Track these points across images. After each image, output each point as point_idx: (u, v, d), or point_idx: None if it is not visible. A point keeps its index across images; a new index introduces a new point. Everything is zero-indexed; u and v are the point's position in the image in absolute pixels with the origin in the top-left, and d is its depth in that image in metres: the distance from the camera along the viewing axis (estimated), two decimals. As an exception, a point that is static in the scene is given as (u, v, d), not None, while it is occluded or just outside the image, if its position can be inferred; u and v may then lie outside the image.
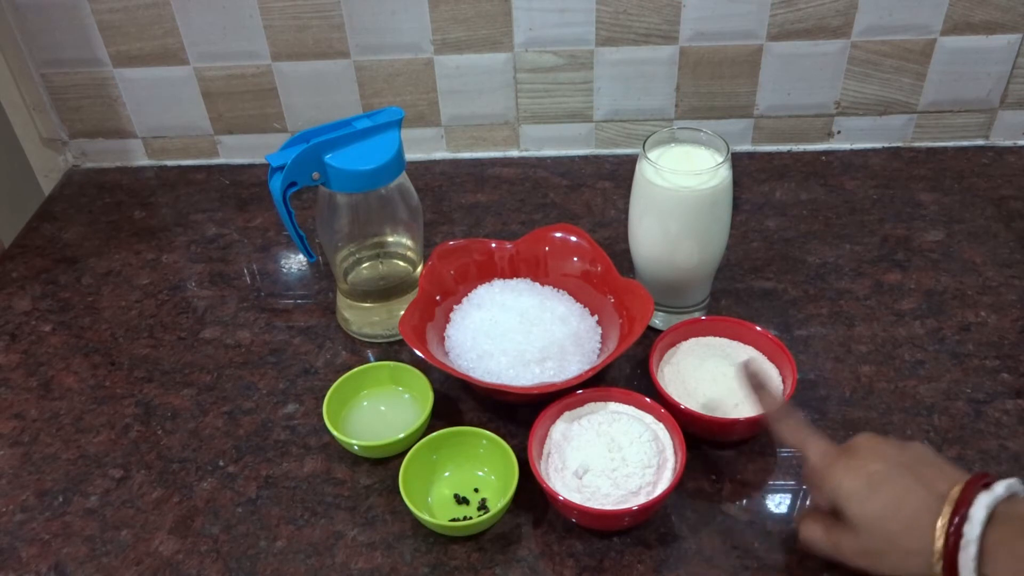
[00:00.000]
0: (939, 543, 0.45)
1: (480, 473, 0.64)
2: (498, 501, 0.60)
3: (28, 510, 0.64)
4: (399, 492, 0.59)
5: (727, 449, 0.65)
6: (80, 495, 0.65)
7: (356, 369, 0.69)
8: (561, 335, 0.68)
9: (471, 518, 0.60)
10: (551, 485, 0.59)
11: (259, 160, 1.01)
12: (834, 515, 0.52)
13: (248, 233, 0.91)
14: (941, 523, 0.45)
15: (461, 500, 0.62)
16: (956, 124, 0.96)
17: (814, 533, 0.53)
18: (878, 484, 0.49)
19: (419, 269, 0.76)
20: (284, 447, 0.68)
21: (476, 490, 0.63)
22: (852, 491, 0.50)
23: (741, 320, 0.70)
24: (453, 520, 0.60)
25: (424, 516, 0.58)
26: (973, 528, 0.44)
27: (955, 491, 0.46)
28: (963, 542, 0.44)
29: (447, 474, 0.64)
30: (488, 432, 0.63)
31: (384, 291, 0.76)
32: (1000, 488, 0.45)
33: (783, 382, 0.66)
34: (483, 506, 0.61)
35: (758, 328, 0.69)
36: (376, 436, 0.64)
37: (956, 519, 0.44)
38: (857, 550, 0.50)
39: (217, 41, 0.92)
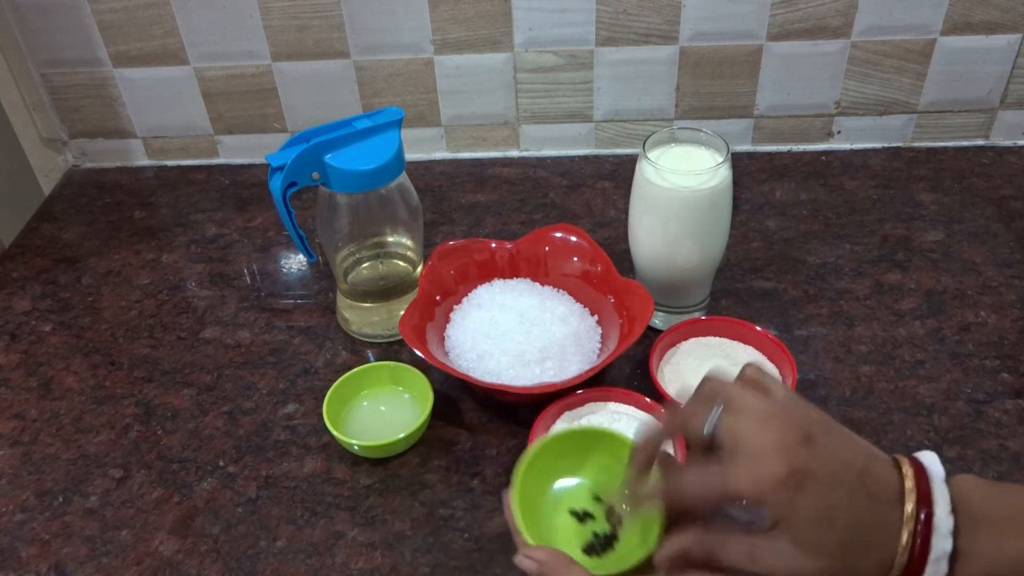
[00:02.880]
0: (903, 558, 0.41)
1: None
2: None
3: (28, 510, 0.64)
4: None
5: (727, 449, 0.65)
6: (80, 495, 0.65)
7: (356, 369, 0.69)
8: (561, 335, 0.68)
9: (603, 534, 0.50)
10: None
11: (259, 160, 1.01)
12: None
13: (248, 233, 0.91)
14: (905, 541, 0.41)
15: (583, 516, 0.52)
16: (956, 124, 0.96)
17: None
18: (831, 509, 0.42)
19: (419, 269, 0.76)
20: (284, 447, 0.68)
21: (598, 499, 0.52)
22: (812, 515, 0.41)
23: (741, 320, 0.70)
24: (591, 550, 0.49)
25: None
26: (942, 542, 0.40)
27: (909, 508, 0.41)
28: (931, 557, 0.40)
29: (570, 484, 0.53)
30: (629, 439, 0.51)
31: (384, 291, 0.76)
32: (941, 491, 0.41)
33: (783, 382, 0.66)
34: (612, 514, 0.51)
35: (758, 328, 0.69)
36: (376, 436, 0.64)
37: (918, 539, 0.41)
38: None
39: (217, 41, 0.92)
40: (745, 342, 0.70)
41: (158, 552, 0.60)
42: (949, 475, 0.43)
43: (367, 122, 0.70)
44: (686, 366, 0.68)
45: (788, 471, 0.41)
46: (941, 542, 0.40)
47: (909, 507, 0.41)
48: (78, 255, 0.89)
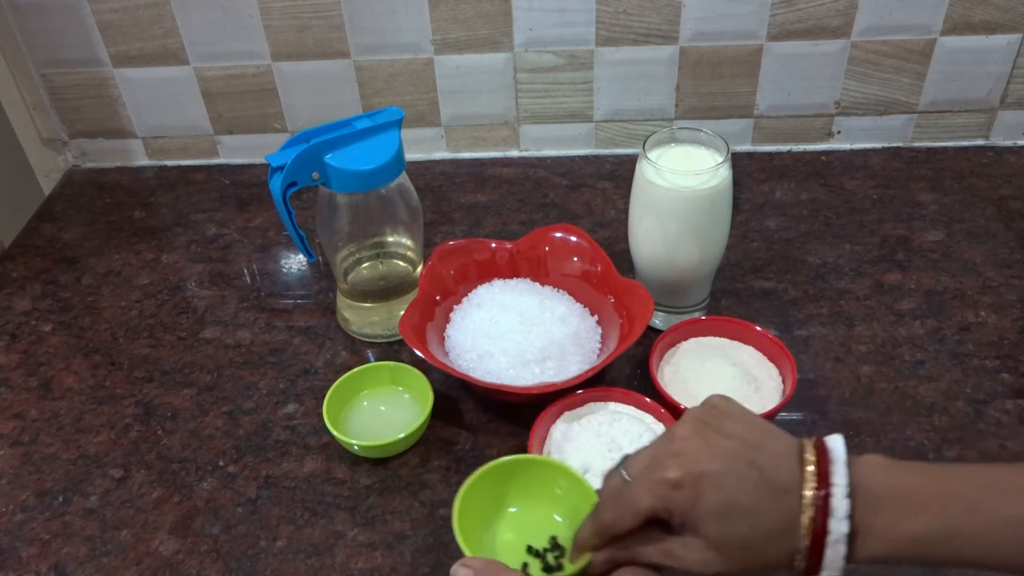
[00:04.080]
0: (805, 542, 0.42)
1: (557, 518, 0.56)
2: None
3: (28, 510, 0.64)
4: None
5: (727, 449, 0.65)
6: (80, 495, 0.65)
7: (356, 369, 0.69)
8: (561, 335, 0.68)
9: (542, 549, 0.53)
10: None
11: (259, 160, 1.01)
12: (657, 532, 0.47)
13: (248, 233, 0.91)
14: (806, 524, 0.42)
15: (536, 553, 0.54)
16: (956, 124, 0.96)
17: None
18: (729, 504, 0.43)
19: (419, 269, 0.76)
20: (284, 447, 0.68)
21: (555, 540, 0.54)
22: (710, 511, 0.43)
23: (741, 320, 0.70)
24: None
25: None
26: (839, 524, 0.41)
27: (808, 493, 0.42)
28: (829, 539, 0.42)
29: (513, 510, 0.56)
30: (568, 467, 0.56)
31: (384, 291, 0.76)
32: (841, 474, 0.42)
33: (783, 382, 0.66)
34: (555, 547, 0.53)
35: (758, 328, 0.69)
36: (376, 436, 0.64)
37: (816, 523, 0.42)
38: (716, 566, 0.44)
39: (217, 41, 0.92)
40: (745, 342, 0.70)
41: (158, 552, 0.60)
42: (858, 455, 0.44)
43: (367, 122, 0.70)
44: (686, 366, 0.68)
45: (681, 474, 0.44)
46: (837, 524, 0.41)
47: (808, 492, 0.42)
48: (78, 255, 0.89)
